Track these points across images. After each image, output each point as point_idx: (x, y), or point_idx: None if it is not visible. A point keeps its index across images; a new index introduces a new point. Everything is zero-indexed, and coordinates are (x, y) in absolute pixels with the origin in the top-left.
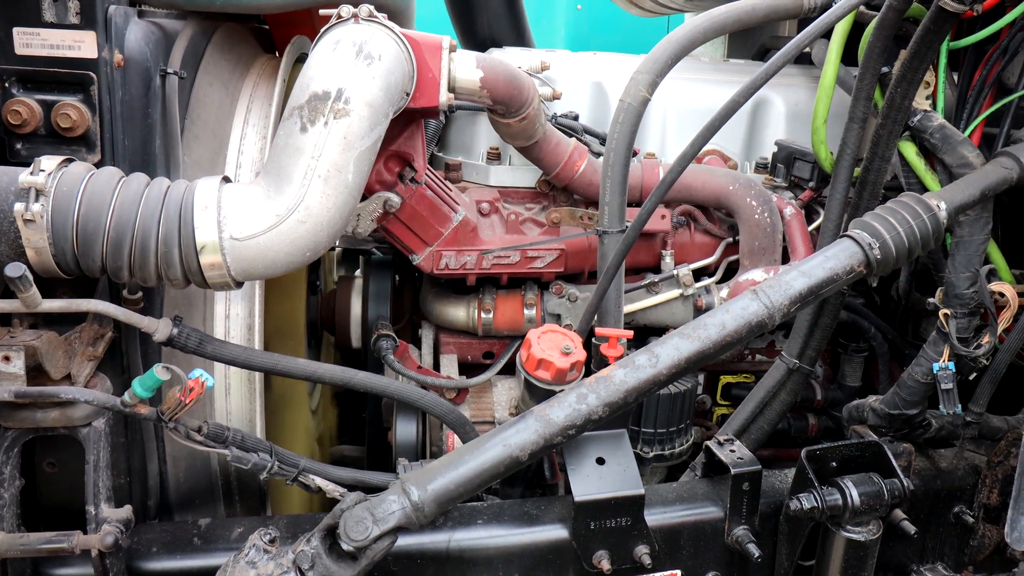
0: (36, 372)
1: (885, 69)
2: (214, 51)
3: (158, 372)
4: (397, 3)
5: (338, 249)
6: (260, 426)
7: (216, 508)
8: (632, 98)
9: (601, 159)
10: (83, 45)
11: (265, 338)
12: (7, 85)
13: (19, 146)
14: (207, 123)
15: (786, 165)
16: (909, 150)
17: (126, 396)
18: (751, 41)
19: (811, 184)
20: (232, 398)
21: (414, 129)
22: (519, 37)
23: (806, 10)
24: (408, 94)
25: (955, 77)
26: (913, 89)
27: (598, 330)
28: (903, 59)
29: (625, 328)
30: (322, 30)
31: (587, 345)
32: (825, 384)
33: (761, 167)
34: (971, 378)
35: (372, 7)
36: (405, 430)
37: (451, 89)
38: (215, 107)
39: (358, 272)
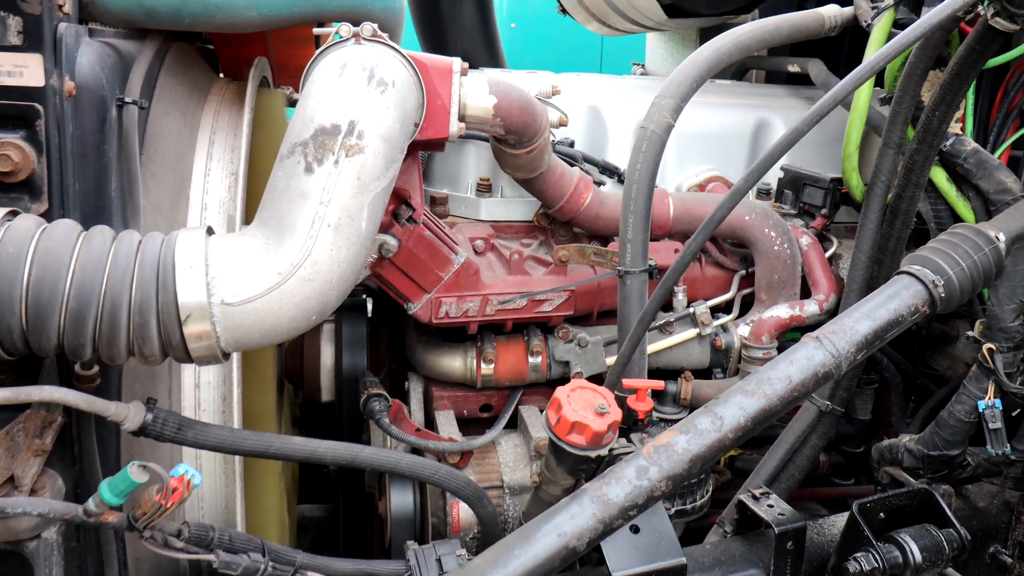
0: None
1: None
2: (168, 75)
3: (133, 474)
4: (388, 20)
5: None
6: (240, 514)
7: None
8: (655, 125)
9: (604, 189)
10: (27, 71)
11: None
12: None
13: None
14: (166, 158)
15: (794, 191)
16: (939, 176)
17: (91, 503)
18: None
19: (824, 211)
20: (204, 481)
21: (411, 163)
22: (492, 57)
23: (827, 29)
24: (417, 125)
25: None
26: (951, 112)
27: (625, 382)
28: (942, 81)
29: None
30: (318, 52)
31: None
32: None
33: (763, 193)
34: (1013, 414)
35: (375, 25)
36: (401, 500)
37: (462, 118)
38: (173, 140)
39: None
